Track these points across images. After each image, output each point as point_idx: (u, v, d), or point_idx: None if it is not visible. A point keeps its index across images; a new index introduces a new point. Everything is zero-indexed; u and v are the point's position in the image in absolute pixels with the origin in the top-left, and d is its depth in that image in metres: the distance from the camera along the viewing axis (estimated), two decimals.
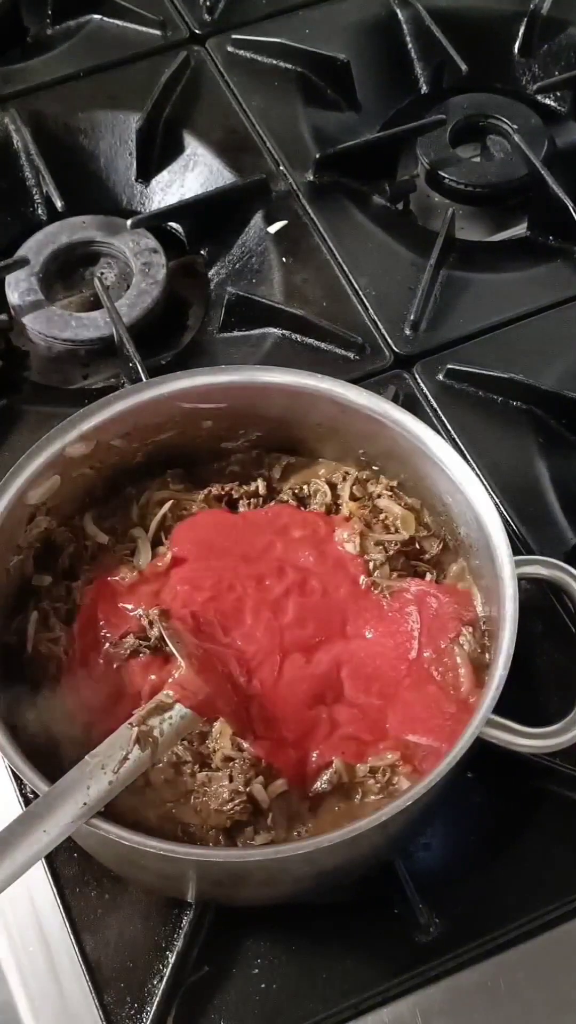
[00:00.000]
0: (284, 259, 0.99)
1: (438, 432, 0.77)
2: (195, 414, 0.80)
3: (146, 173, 1.07)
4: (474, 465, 0.86)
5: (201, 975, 0.71)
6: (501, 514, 0.74)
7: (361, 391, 0.78)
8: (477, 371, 0.92)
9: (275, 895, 0.73)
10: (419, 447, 0.76)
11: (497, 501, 0.84)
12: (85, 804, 0.64)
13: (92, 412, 0.77)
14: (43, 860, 0.74)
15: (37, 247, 1.01)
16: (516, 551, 0.79)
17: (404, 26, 1.13)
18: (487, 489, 0.75)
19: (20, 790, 0.76)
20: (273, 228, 1.01)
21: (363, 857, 0.71)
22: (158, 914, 0.73)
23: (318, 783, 0.72)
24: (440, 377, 0.92)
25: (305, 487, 0.83)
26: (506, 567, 0.71)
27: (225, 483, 0.82)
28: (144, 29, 1.13)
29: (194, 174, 1.05)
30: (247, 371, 0.80)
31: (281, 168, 1.04)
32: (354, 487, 0.81)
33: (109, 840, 0.65)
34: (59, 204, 1.02)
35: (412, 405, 0.89)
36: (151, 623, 0.75)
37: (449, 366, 0.92)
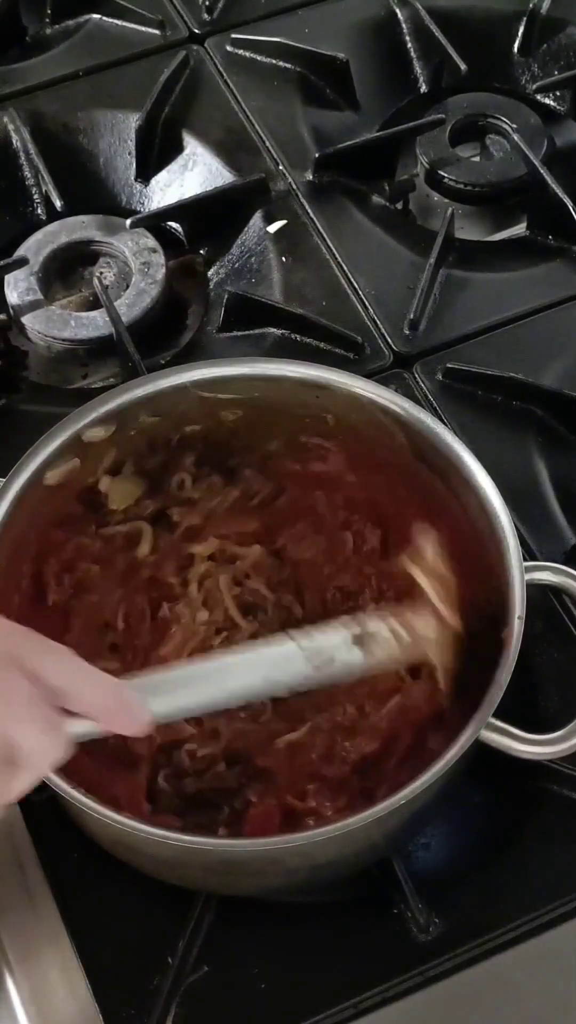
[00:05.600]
0: (283, 259, 0.99)
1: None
2: (217, 405, 0.80)
3: (145, 173, 1.07)
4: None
5: (201, 975, 0.71)
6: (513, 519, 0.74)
7: (384, 388, 0.79)
8: (477, 371, 0.92)
9: (269, 886, 0.73)
10: (440, 448, 0.76)
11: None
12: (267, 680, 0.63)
13: (112, 396, 0.77)
14: (40, 861, 0.74)
15: (36, 247, 1.01)
16: None
17: (403, 25, 1.12)
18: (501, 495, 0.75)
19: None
20: (272, 228, 1.01)
21: (356, 854, 0.71)
22: (158, 914, 0.73)
23: None
24: (440, 377, 0.92)
25: None
26: (515, 573, 0.71)
27: None
28: (143, 29, 1.13)
29: (193, 174, 1.05)
30: (267, 363, 0.81)
31: (280, 168, 1.04)
32: None
33: (102, 822, 0.65)
34: (58, 204, 1.02)
35: None
36: None
37: (449, 365, 0.92)
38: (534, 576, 0.73)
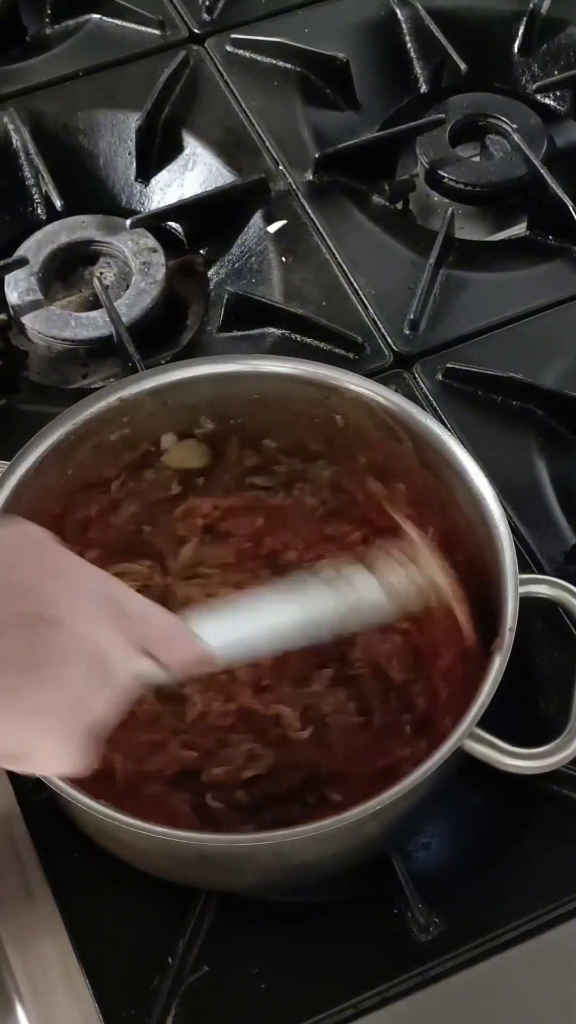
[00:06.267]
0: (283, 258, 0.99)
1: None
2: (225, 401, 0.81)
3: (145, 173, 1.07)
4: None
5: (201, 975, 0.71)
6: (512, 530, 0.73)
7: (393, 392, 0.79)
8: (477, 370, 0.92)
9: (249, 884, 0.73)
10: (445, 456, 0.76)
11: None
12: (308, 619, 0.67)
13: (125, 384, 0.78)
14: (41, 861, 0.74)
15: (36, 247, 1.01)
16: (516, 551, 0.79)
17: (403, 25, 1.12)
18: (502, 504, 0.75)
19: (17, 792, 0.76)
20: (272, 228, 1.01)
21: (336, 855, 0.71)
22: (158, 914, 0.73)
23: None
24: (440, 377, 0.92)
25: None
26: (510, 585, 0.71)
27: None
28: (143, 29, 1.13)
29: (193, 174, 1.05)
30: (276, 361, 0.81)
31: (280, 168, 1.04)
32: None
33: (84, 811, 0.65)
34: (58, 204, 1.02)
35: None
36: None
37: (449, 365, 0.92)
38: (530, 589, 0.73)
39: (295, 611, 0.68)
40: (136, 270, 0.99)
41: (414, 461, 0.78)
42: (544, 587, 0.74)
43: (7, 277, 0.99)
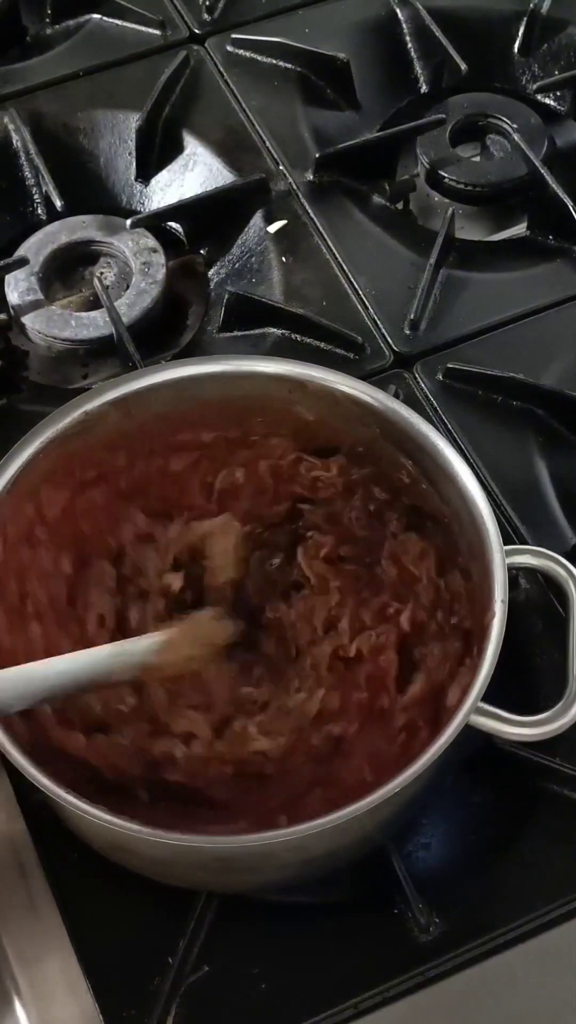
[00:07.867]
0: (284, 259, 0.99)
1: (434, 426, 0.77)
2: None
3: (146, 173, 1.07)
4: (474, 463, 0.86)
5: (201, 975, 0.71)
6: (495, 506, 0.73)
7: (357, 380, 0.78)
8: (477, 370, 0.92)
9: (265, 882, 0.73)
10: (415, 438, 0.76)
11: (491, 494, 0.85)
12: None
13: (123, 381, 0.77)
14: (41, 861, 0.74)
15: (36, 247, 1.01)
16: None
17: (404, 25, 1.12)
18: (480, 481, 0.75)
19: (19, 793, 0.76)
20: (273, 228, 1.01)
21: (350, 846, 0.72)
22: (158, 914, 0.73)
23: None
24: (440, 377, 0.92)
25: None
26: (496, 556, 0.71)
27: None
28: (144, 29, 1.13)
29: (194, 174, 1.05)
30: (241, 360, 0.81)
31: (281, 168, 1.04)
32: None
33: (98, 826, 0.65)
34: (58, 204, 1.02)
35: (412, 404, 0.88)
36: None
37: (449, 365, 0.92)
38: (515, 560, 0.73)
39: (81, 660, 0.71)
40: (136, 270, 0.99)
41: (387, 448, 0.78)
42: (528, 557, 0.74)
43: (7, 277, 0.99)
